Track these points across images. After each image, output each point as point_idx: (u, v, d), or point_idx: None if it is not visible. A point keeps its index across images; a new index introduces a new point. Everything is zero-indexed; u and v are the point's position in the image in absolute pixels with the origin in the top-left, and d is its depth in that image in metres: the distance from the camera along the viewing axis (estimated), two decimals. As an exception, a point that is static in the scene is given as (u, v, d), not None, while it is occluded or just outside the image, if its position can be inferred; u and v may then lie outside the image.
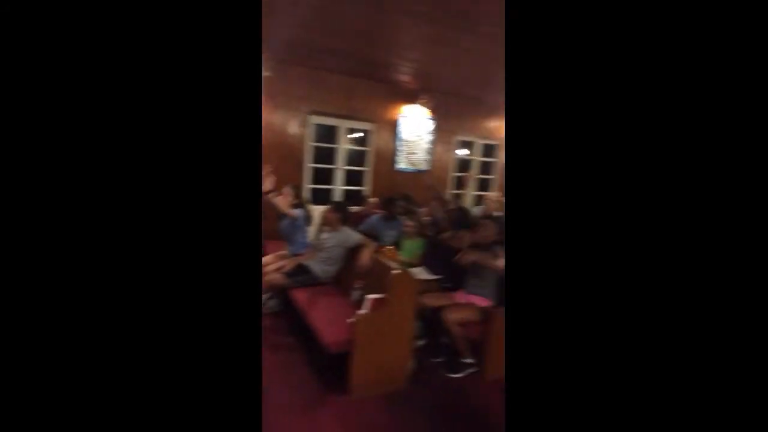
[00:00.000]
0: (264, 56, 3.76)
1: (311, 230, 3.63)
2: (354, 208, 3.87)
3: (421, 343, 2.72)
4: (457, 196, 5.14)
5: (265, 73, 3.93)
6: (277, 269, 3.07)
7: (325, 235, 3.10)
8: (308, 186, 4.59)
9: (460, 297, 2.70)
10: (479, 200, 5.36)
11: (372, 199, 4.35)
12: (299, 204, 3.44)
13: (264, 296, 3.04)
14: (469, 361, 2.59)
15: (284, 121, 4.30)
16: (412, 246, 3.36)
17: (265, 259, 3.31)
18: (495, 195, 5.06)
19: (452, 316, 2.51)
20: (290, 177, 4.06)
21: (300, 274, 2.93)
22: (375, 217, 3.79)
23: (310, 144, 4.50)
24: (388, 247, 3.33)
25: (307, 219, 3.52)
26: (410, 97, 4.82)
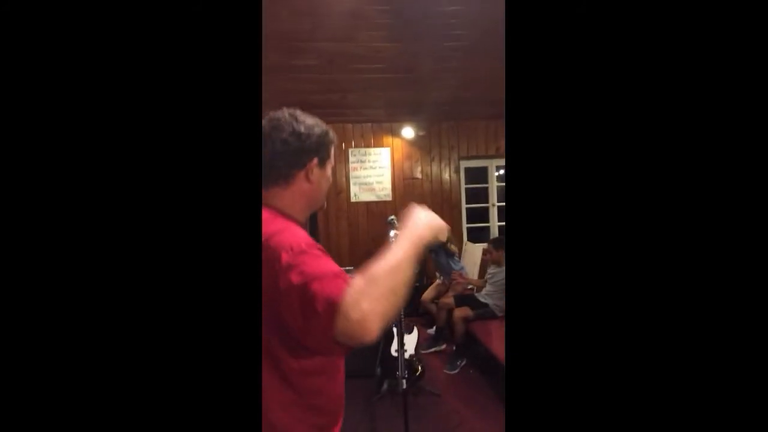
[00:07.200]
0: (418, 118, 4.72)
1: (470, 267, 4.17)
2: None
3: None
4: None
5: (420, 133, 4.91)
6: (439, 295, 3.64)
7: (492, 271, 3.40)
8: (466, 225, 5.17)
9: None
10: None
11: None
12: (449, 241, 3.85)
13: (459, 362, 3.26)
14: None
15: (440, 171, 5.09)
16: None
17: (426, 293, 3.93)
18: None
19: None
20: (448, 218, 4.57)
21: (479, 307, 3.26)
22: None
23: (464, 186, 5.15)
24: None
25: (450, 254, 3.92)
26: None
